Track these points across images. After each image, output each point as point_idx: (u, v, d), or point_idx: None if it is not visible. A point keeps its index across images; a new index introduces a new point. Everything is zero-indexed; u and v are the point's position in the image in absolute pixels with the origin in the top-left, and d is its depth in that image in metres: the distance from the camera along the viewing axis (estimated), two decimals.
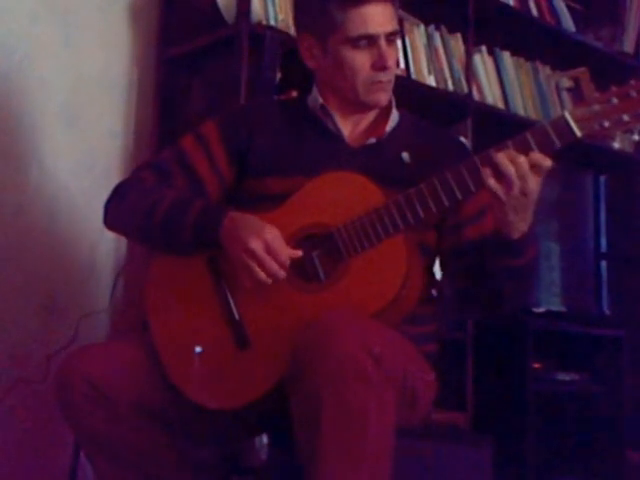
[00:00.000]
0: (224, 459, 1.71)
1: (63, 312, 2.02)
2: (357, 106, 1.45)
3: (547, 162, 1.22)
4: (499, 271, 1.33)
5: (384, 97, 1.43)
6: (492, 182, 1.22)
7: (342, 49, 1.39)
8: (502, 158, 1.22)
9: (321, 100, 1.46)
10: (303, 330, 1.20)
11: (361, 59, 1.39)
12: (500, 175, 1.22)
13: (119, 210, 1.43)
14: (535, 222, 1.29)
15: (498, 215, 1.26)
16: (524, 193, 1.22)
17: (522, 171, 1.21)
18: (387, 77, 1.41)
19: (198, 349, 1.33)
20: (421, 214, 1.29)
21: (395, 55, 1.43)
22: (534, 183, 1.22)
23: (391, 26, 1.40)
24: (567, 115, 1.24)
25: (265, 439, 1.70)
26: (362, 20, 1.37)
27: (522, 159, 1.21)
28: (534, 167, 1.22)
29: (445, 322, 1.51)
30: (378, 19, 1.38)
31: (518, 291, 1.40)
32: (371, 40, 1.38)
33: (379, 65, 1.39)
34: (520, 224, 1.27)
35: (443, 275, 1.48)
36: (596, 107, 1.23)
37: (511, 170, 1.21)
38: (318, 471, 1.15)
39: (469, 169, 1.26)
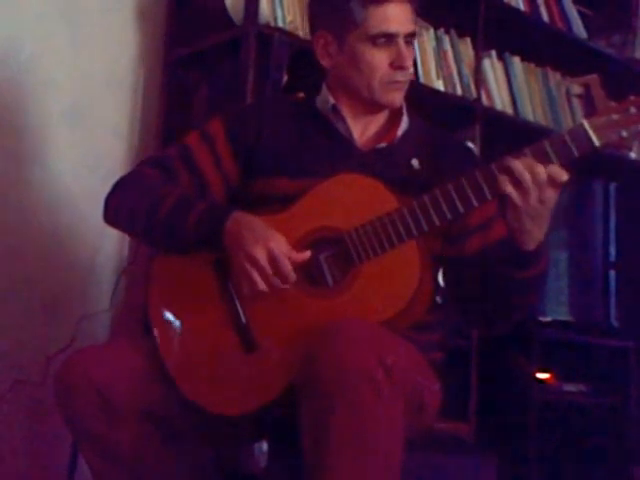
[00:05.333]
0: (223, 466, 1.69)
1: (63, 313, 2.01)
2: (370, 106, 1.44)
3: (564, 176, 1.21)
4: (509, 282, 1.31)
5: (399, 97, 1.43)
6: (509, 188, 1.21)
7: (361, 46, 1.39)
8: (519, 166, 1.21)
9: (332, 100, 1.44)
10: (316, 338, 1.18)
11: (379, 57, 1.39)
12: (517, 183, 1.21)
13: (121, 205, 1.41)
14: (548, 232, 1.28)
15: (514, 224, 1.25)
16: (541, 201, 1.21)
17: (539, 180, 1.20)
18: (404, 77, 1.41)
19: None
20: (436, 221, 1.27)
21: (412, 57, 1.43)
22: (552, 192, 1.21)
23: (410, 27, 1.40)
24: (586, 124, 1.22)
25: (265, 446, 1.69)
26: (383, 18, 1.37)
27: (540, 168, 1.20)
28: (550, 180, 1.21)
29: (449, 330, 1.50)
30: (398, 18, 1.38)
31: (528, 303, 1.38)
32: (390, 39, 1.38)
33: (397, 64, 1.39)
34: (537, 233, 1.25)
35: (446, 285, 1.47)
36: (615, 116, 1.22)
37: (528, 178, 1.20)
38: (325, 478, 1.14)
39: (485, 176, 1.25)
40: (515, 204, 1.21)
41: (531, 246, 1.26)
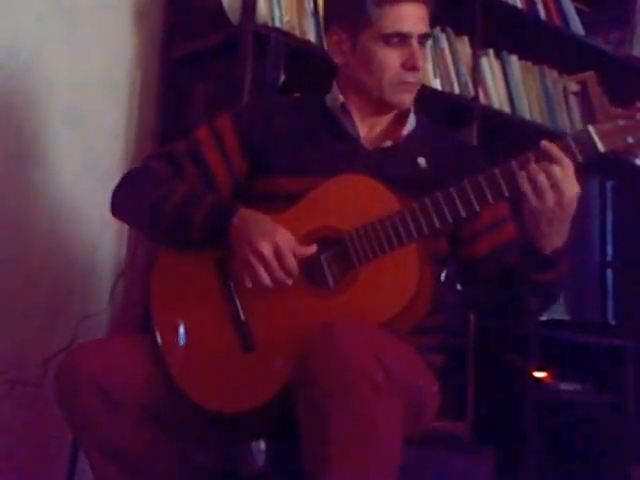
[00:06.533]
0: (221, 465, 1.70)
1: (62, 314, 2.01)
2: (379, 106, 1.44)
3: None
4: (524, 283, 1.32)
5: (409, 99, 1.43)
6: (527, 188, 1.21)
7: (373, 45, 1.39)
8: (535, 166, 1.21)
9: (342, 98, 1.44)
10: (313, 338, 1.19)
11: (392, 57, 1.39)
12: (534, 183, 1.21)
13: (128, 198, 1.41)
14: (570, 237, 1.27)
15: (531, 225, 1.25)
16: (559, 204, 1.21)
17: (555, 179, 1.20)
18: (415, 78, 1.41)
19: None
20: (437, 224, 1.27)
21: (424, 58, 1.42)
22: (570, 191, 1.21)
23: (424, 28, 1.40)
24: (591, 129, 1.22)
25: (262, 445, 1.69)
26: (397, 18, 1.37)
27: (556, 168, 1.20)
28: (567, 178, 1.21)
29: (449, 333, 1.50)
30: (413, 19, 1.38)
31: (542, 308, 1.39)
32: (403, 39, 1.38)
33: (409, 65, 1.39)
34: (554, 237, 1.25)
35: (462, 285, 1.47)
36: (621, 122, 1.22)
37: (543, 178, 1.20)
38: (324, 478, 1.15)
39: (488, 180, 1.25)
40: (531, 205, 1.21)
41: (547, 250, 1.26)
